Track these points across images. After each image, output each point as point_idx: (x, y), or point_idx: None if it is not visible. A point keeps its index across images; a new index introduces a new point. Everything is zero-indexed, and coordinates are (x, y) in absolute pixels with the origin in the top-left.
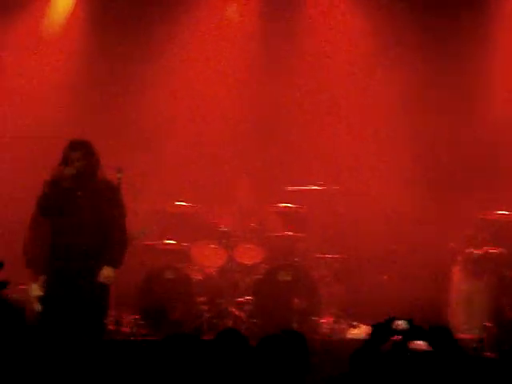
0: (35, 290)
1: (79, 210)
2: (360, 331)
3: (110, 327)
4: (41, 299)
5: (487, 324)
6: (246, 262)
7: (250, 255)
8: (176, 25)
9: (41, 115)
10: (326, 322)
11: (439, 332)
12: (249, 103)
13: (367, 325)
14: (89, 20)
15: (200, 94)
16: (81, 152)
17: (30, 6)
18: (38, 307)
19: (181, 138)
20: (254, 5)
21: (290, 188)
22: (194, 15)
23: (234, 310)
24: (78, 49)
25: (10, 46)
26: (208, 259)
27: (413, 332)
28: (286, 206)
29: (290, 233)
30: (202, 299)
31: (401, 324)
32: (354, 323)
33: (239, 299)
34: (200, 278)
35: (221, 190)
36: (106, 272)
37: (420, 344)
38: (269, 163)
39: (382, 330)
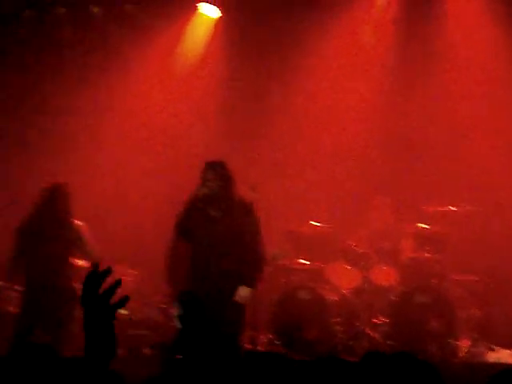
0: (177, 307)
1: (214, 230)
2: (500, 355)
3: (246, 346)
4: (180, 318)
5: None
6: (382, 284)
7: (385, 276)
8: (312, 55)
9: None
10: (463, 345)
11: None
12: (386, 122)
13: (507, 349)
14: (227, 48)
15: (338, 116)
16: (214, 172)
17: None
18: (178, 325)
19: (315, 157)
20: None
21: (427, 208)
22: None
23: (369, 331)
24: (216, 76)
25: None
26: (343, 280)
27: None
28: (423, 227)
29: (427, 254)
30: (336, 320)
31: None
32: (493, 347)
33: (375, 321)
34: (335, 298)
35: (356, 210)
36: (242, 292)
37: None
38: (406, 183)
39: None
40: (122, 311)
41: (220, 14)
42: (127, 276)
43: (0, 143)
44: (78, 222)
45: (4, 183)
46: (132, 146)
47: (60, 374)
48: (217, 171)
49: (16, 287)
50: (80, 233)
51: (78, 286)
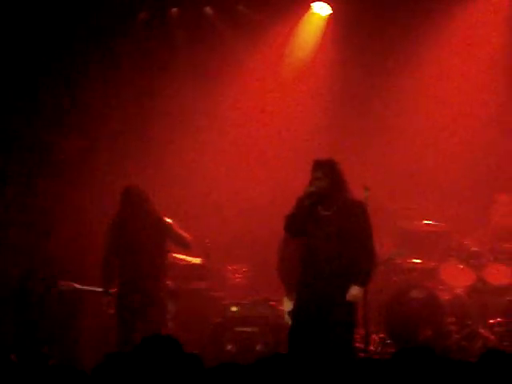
0: (287, 304)
1: (324, 228)
2: None
3: (358, 345)
4: (292, 314)
5: None
6: (497, 283)
7: (500, 276)
8: (427, 51)
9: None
10: None
11: None
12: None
13: None
14: (338, 46)
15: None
16: (321, 171)
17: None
18: (288, 322)
19: (429, 154)
20: None
21: None
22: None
23: (483, 331)
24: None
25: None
26: (456, 279)
27: None
28: None
29: None
30: (450, 320)
31: None
32: None
33: (489, 321)
34: (448, 297)
35: (470, 208)
36: (354, 291)
37: None
38: None
39: None
40: (233, 308)
41: (331, 11)
42: (238, 273)
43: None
44: (167, 220)
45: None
46: (242, 146)
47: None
48: (325, 169)
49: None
50: (171, 230)
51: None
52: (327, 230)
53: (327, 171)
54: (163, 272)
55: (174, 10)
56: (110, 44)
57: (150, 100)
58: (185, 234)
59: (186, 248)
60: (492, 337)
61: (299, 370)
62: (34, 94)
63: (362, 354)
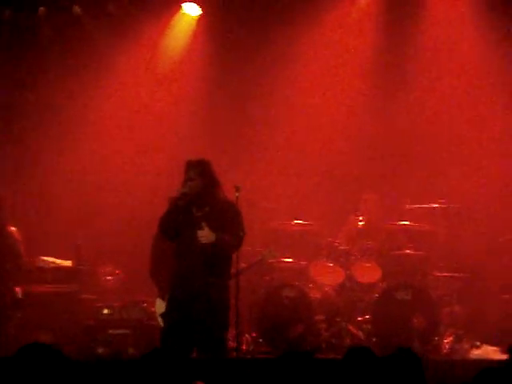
0: (160, 306)
1: (196, 228)
2: (483, 351)
3: (230, 344)
4: (164, 316)
5: None
6: (365, 281)
7: (368, 274)
8: (294, 54)
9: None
10: (446, 341)
11: None
12: (373, 123)
13: (490, 345)
14: (208, 47)
15: (325, 116)
16: (194, 171)
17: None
18: (160, 324)
19: (300, 155)
20: None
21: (410, 206)
22: None
23: (352, 328)
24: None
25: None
26: (326, 277)
27: None
28: (406, 224)
29: (409, 251)
30: (320, 318)
31: None
32: (477, 343)
33: (358, 318)
34: (318, 296)
35: (338, 207)
36: (204, 233)
37: None
38: (390, 180)
39: None
40: (105, 311)
41: (201, 12)
42: (110, 275)
43: None
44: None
45: None
46: (115, 145)
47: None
48: (199, 170)
49: None
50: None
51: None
52: (197, 229)
53: (199, 171)
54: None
55: (42, 8)
56: None
57: (16, 100)
58: (19, 245)
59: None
60: (360, 333)
61: (171, 367)
62: None
63: (235, 354)
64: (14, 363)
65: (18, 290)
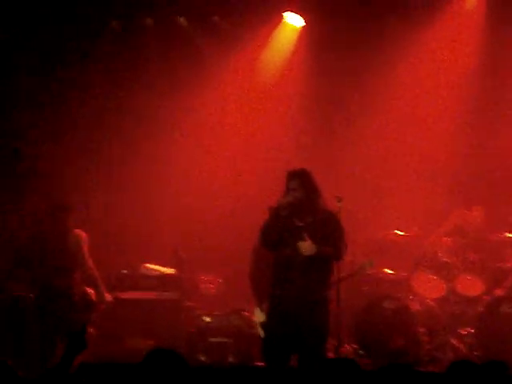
0: (259, 315)
1: (298, 239)
2: None
3: (330, 355)
4: (263, 325)
5: None
6: (468, 294)
7: (471, 287)
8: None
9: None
10: None
11: None
12: (470, 131)
13: None
14: (311, 58)
15: (422, 126)
16: (297, 181)
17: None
18: (260, 332)
19: (401, 165)
20: None
21: None
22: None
23: (454, 342)
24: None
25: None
26: (427, 290)
27: None
28: (510, 236)
29: None
30: (422, 330)
31: None
32: None
33: (461, 331)
34: (419, 308)
35: (442, 219)
36: (305, 245)
37: None
38: (493, 191)
39: None
40: (206, 319)
41: (304, 23)
42: (211, 283)
43: None
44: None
45: None
46: (216, 156)
47: None
48: (301, 180)
49: None
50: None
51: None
52: (301, 241)
53: (301, 181)
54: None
55: (148, 20)
56: (83, 53)
57: (125, 111)
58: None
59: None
60: (463, 347)
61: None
62: None
63: None
64: (142, 369)
65: (90, 291)
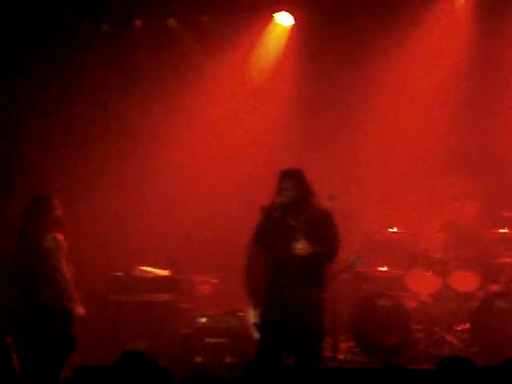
0: (253, 316)
1: (292, 239)
2: None
3: (327, 353)
4: (258, 326)
5: None
6: (462, 290)
7: (466, 282)
8: (391, 62)
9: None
10: None
11: None
12: (467, 128)
13: None
14: (301, 57)
15: (417, 122)
16: (291, 181)
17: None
18: (255, 334)
19: (395, 162)
20: None
21: (508, 213)
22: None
23: (450, 338)
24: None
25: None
26: (422, 286)
27: None
28: (504, 232)
29: (508, 259)
30: (417, 327)
31: None
32: None
33: (456, 327)
34: (414, 305)
35: (435, 215)
36: (300, 245)
37: None
38: (486, 188)
39: None
40: (202, 319)
41: (293, 22)
42: (206, 284)
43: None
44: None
45: None
46: (207, 156)
47: None
48: (294, 180)
49: None
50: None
51: None
52: (294, 240)
53: (295, 181)
54: None
55: (138, 21)
56: (73, 55)
57: (115, 110)
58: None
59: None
60: (459, 343)
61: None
62: None
63: (331, 363)
64: (115, 372)
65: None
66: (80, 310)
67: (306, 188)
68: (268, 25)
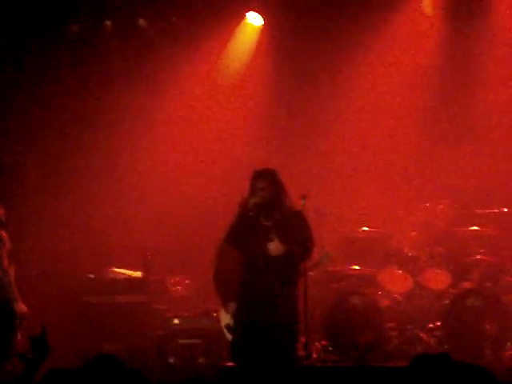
0: (224, 317)
1: (265, 238)
2: None
3: (300, 353)
4: (230, 328)
5: None
6: (434, 288)
7: (438, 280)
8: (359, 61)
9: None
10: None
11: None
12: (437, 128)
13: None
14: (272, 56)
15: (390, 121)
16: (265, 181)
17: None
18: (226, 335)
19: (367, 161)
20: None
21: (479, 210)
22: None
23: (423, 336)
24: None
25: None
26: (395, 285)
27: None
28: (476, 229)
29: (480, 257)
30: (390, 325)
31: None
32: None
33: (429, 325)
34: (387, 303)
35: (406, 214)
36: (273, 245)
37: None
38: (457, 186)
39: None
40: (175, 321)
41: (263, 22)
42: (179, 285)
43: None
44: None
45: None
46: (179, 155)
47: None
48: (269, 180)
49: None
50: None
51: None
52: (268, 240)
53: (270, 181)
54: None
55: (107, 22)
56: (42, 56)
57: (85, 111)
58: None
59: None
60: (432, 341)
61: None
62: None
63: (305, 362)
64: (83, 375)
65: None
66: (22, 308)
67: (280, 188)
68: (239, 25)
